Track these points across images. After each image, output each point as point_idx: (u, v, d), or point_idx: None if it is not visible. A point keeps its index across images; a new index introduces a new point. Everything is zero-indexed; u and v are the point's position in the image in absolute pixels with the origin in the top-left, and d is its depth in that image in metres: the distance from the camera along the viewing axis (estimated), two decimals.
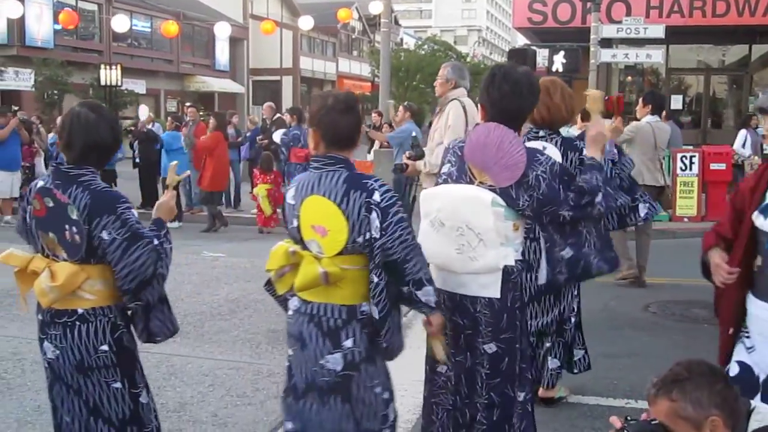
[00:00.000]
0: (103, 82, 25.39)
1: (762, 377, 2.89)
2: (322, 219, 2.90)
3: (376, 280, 2.89)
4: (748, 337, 2.98)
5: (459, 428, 3.37)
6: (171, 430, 4.30)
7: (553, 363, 4.51)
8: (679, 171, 11.84)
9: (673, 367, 2.31)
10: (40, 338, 3.06)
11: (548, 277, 3.82)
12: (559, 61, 14.80)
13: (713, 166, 11.94)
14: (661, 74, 19.37)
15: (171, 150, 12.87)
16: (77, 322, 2.94)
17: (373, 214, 2.84)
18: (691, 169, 11.85)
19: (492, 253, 3.13)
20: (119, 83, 26.05)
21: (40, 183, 3.01)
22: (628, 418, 2.30)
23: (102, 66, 25.08)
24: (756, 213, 2.90)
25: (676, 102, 18.53)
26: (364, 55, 56.60)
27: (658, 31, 14.27)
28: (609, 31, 14.58)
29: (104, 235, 2.85)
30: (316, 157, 3.00)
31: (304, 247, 2.99)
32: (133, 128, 15.38)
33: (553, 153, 4.30)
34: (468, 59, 42.38)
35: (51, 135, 14.63)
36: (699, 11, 16.29)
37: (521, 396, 3.28)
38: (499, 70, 3.35)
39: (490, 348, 3.22)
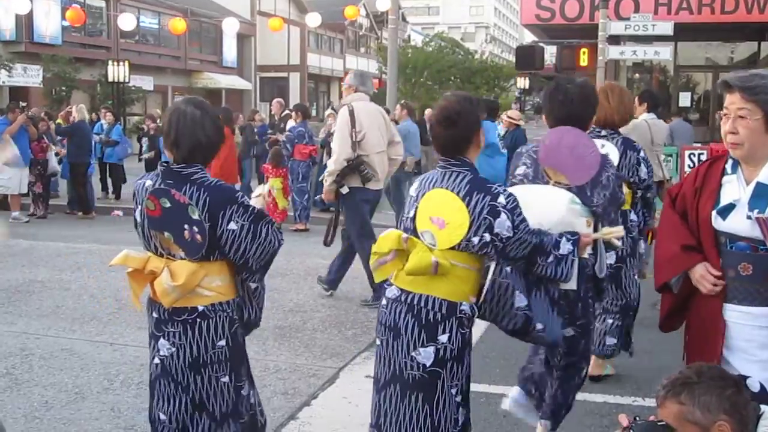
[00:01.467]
0: (110, 79, 25.43)
1: None
2: (444, 212, 2.99)
3: (507, 270, 3.14)
4: None
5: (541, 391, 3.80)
6: None
7: (610, 341, 4.88)
8: (687, 168, 11.79)
9: (684, 370, 2.30)
10: (153, 335, 3.07)
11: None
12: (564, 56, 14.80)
13: None
14: (669, 71, 19.30)
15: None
16: (198, 319, 2.97)
17: (503, 216, 2.94)
18: None
19: (566, 245, 3.25)
20: (127, 80, 26.11)
21: (148, 182, 3.00)
22: (637, 418, 2.29)
23: (110, 62, 25.11)
24: (714, 214, 2.84)
25: (684, 99, 18.44)
26: (372, 52, 56.56)
27: (666, 28, 14.22)
28: (617, 28, 14.53)
29: (232, 225, 2.90)
30: (443, 158, 3.14)
31: (416, 237, 3.08)
32: (143, 125, 15.42)
33: (612, 151, 4.58)
34: (476, 56, 42.26)
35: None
36: (707, 8, 16.19)
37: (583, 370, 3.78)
38: (554, 84, 3.81)
39: (568, 332, 3.51)
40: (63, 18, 28.14)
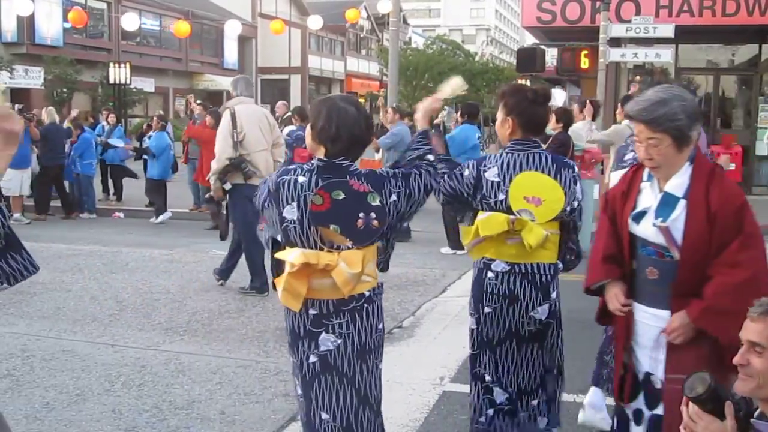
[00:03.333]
0: (112, 81, 25.51)
1: (641, 377, 3.03)
2: (538, 191, 3.46)
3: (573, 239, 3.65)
4: None
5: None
6: (179, 427, 4.31)
7: None
8: None
9: None
10: (309, 333, 3.01)
11: None
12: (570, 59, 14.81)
13: None
14: (671, 74, 19.29)
15: (158, 150, 12.94)
16: (365, 305, 3.05)
17: (578, 184, 3.54)
18: None
19: None
20: (128, 81, 26.16)
21: (302, 179, 2.96)
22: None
23: (111, 64, 25.21)
24: (630, 219, 2.96)
25: None
26: (373, 54, 56.58)
27: (667, 30, 14.21)
28: (618, 30, 14.53)
29: (393, 197, 3.04)
30: (518, 140, 3.55)
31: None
32: (147, 127, 15.44)
33: None
34: (476, 58, 42.27)
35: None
36: (709, 11, 16.17)
37: None
38: (646, 87, 4.55)
39: None
40: (64, 20, 28.19)
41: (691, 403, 2.17)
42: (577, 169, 3.56)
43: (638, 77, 19.48)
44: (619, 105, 8.47)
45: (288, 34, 42.32)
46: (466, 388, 3.97)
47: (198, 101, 14.34)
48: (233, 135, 7.18)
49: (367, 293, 3.04)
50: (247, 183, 7.14)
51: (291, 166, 3.08)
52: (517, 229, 3.43)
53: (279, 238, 3.06)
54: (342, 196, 2.95)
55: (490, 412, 3.63)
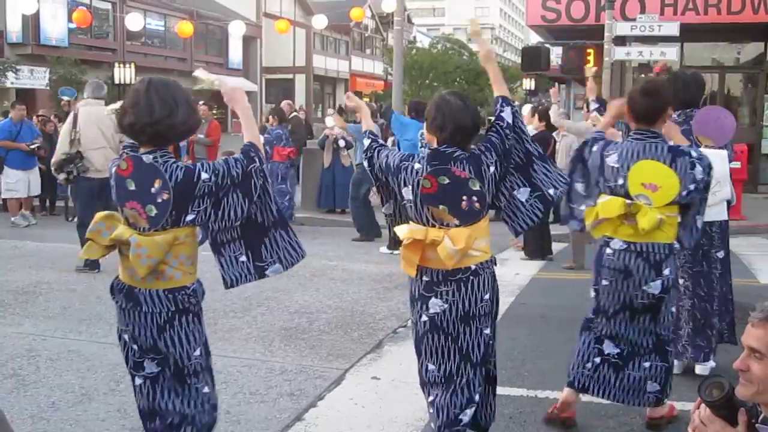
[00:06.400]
0: (117, 81, 25.49)
1: None
2: (655, 178, 3.85)
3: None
4: None
5: (697, 321, 4.90)
6: None
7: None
8: None
9: None
10: (422, 297, 3.52)
11: None
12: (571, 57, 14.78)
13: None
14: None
15: None
16: (471, 277, 3.43)
17: (697, 167, 3.85)
18: None
19: (727, 188, 4.80)
20: (133, 82, 26.13)
21: (417, 165, 3.44)
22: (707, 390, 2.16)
23: (116, 64, 25.21)
24: None
25: None
26: (377, 53, 56.57)
27: (672, 28, 14.18)
28: (623, 28, 14.50)
29: (492, 169, 3.45)
30: (639, 130, 3.98)
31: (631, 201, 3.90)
32: None
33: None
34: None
35: None
36: (714, 8, 16.14)
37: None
38: (672, 76, 5.18)
39: (720, 254, 4.96)
40: (69, 20, 28.23)
41: (703, 406, 2.15)
42: (695, 153, 3.86)
43: (642, 75, 19.49)
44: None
45: (293, 34, 42.33)
46: None
47: (201, 102, 14.38)
48: (71, 133, 8.19)
49: (474, 267, 3.43)
50: (82, 176, 8.22)
51: (410, 153, 3.57)
52: (633, 212, 3.82)
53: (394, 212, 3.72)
54: (447, 181, 3.38)
55: (597, 360, 4.06)
